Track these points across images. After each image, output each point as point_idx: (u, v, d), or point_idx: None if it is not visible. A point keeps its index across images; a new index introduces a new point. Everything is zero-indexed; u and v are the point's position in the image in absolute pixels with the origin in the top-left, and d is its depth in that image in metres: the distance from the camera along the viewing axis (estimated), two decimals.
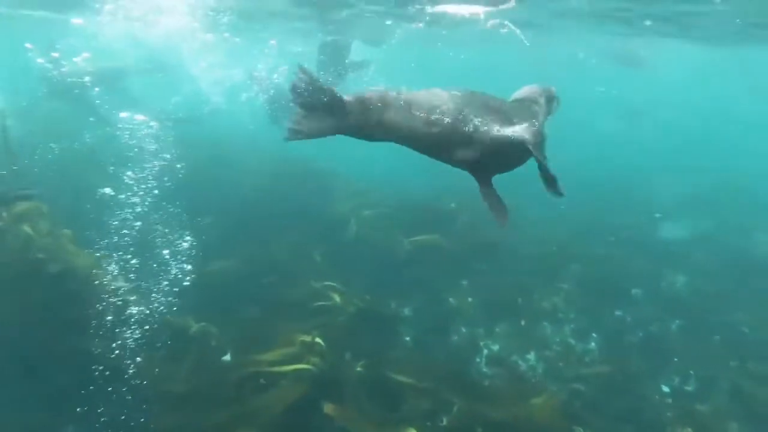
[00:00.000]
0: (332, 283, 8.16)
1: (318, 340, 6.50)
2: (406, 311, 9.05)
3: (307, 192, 11.86)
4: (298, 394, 5.74)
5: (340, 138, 3.56)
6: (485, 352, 8.31)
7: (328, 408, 5.65)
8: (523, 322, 8.92)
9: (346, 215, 10.92)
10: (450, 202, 11.81)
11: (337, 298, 7.93)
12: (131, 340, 5.99)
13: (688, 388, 7.40)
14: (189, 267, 7.00)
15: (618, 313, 9.16)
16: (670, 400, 7.19)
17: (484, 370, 7.94)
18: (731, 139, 26.41)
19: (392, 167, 16.85)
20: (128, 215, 7.16)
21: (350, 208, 11.20)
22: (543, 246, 11.23)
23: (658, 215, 13.07)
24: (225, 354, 6.40)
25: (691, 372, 7.61)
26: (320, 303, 7.81)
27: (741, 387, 7.17)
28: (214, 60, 14.37)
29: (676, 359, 7.88)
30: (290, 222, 10.39)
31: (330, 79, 11.14)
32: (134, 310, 6.18)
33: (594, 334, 8.70)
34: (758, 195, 14.02)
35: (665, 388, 7.41)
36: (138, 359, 5.81)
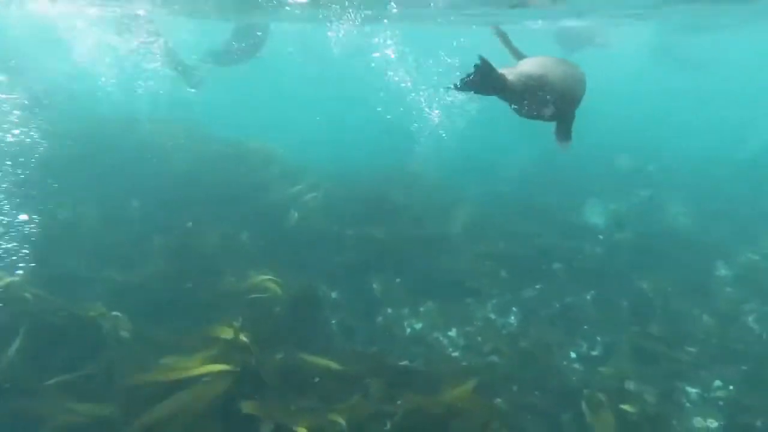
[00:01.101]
0: (265, 275, 8.10)
1: (243, 337, 6.41)
2: (335, 296, 9.27)
3: (241, 176, 11.80)
4: (211, 399, 5.62)
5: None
6: (408, 331, 8.60)
7: (248, 407, 5.58)
8: (446, 301, 9.28)
9: (283, 202, 11.01)
10: (394, 190, 12.03)
11: (269, 289, 7.97)
12: None
13: (594, 353, 7.88)
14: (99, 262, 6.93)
15: (538, 286, 9.61)
16: (576, 365, 7.65)
17: (406, 348, 8.22)
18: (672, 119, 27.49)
19: (334, 148, 16.99)
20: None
21: (288, 194, 11.27)
22: (476, 227, 11.65)
23: (590, 197, 13.69)
24: (136, 361, 6.16)
25: (598, 338, 8.11)
26: (252, 295, 7.82)
27: (641, 348, 7.69)
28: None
29: (586, 327, 8.36)
30: (221, 209, 10.36)
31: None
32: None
33: (514, 308, 9.11)
34: (679, 171, 14.79)
35: (573, 355, 7.87)
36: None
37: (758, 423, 6.38)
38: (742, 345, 7.61)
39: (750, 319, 8.29)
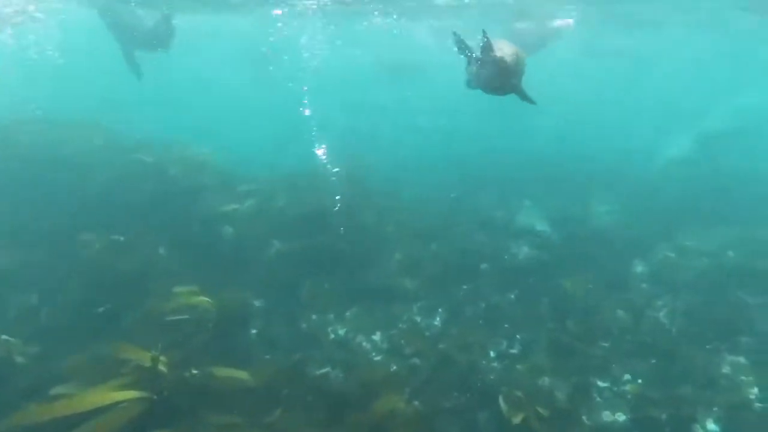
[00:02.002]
0: (190, 292, 7.72)
1: (157, 359, 6.06)
2: (261, 306, 9.03)
3: (169, 186, 11.30)
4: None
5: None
6: (332, 337, 8.46)
7: None
8: (374, 305, 9.19)
9: (213, 215, 10.53)
10: (329, 195, 11.78)
11: (193, 306, 7.60)
12: None
13: (513, 351, 7.95)
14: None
15: (465, 287, 9.67)
16: (495, 364, 7.70)
17: (330, 354, 8.07)
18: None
19: (269, 150, 16.62)
20: None
21: (220, 207, 10.66)
22: (409, 230, 11.62)
23: (524, 197, 13.94)
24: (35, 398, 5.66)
25: (518, 336, 8.20)
26: (175, 316, 7.45)
27: (558, 344, 7.81)
28: None
29: (507, 325, 8.45)
30: (147, 222, 9.86)
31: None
32: None
33: (440, 310, 9.12)
34: (603, 172, 15.27)
35: (493, 354, 7.92)
36: None
37: (663, 416, 6.57)
38: (652, 339, 7.85)
39: (661, 314, 8.57)
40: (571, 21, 16.66)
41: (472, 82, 6.37)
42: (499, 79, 5.75)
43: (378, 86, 27.03)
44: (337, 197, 11.30)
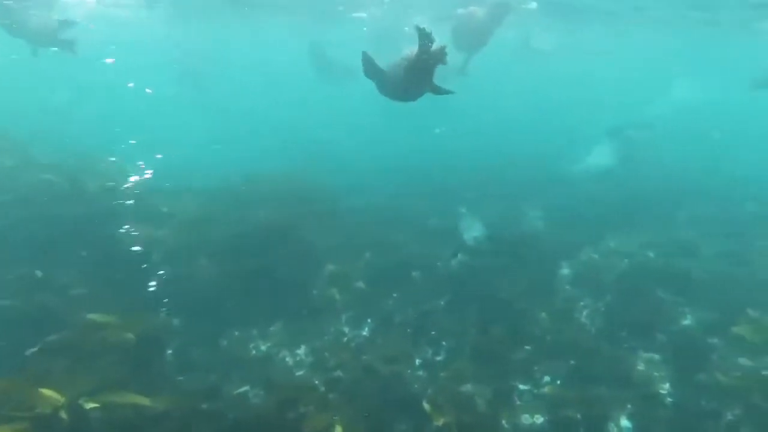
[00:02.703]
0: (106, 319, 7.26)
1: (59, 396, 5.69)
2: (180, 325, 8.63)
3: (88, 204, 10.61)
4: None
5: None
6: (253, 353, 8.17)
7: None
8: (302, 317, 8.96)
9: (136, 238, 9.86)
10: (262, 203, 11.40)
11: (107, 335, 7.15)
12: None
13: (438, 358, 7.90)
14: None
15: (395, 295, 9.58)
16: (420, 372, 7.61)
17: (250, 372, 7.78)
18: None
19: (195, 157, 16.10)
20: None
21: (144, 227, 9.80)
22: (344, 238, 11.46)
23: (460, 203, 14.05)
24: None
25: (444, 343, 8.16)
26: (89, 347, 6.94)
27: (482, 349, 7.81)
28: None
29: (434, 333, 8.40)
30: (64, 251, 9.16)
31: None
32: None
33: (369, 320, 8.99)
34: (537, 176, 15.64)
35: (418, 362, 7.83)
36: None
37: (578, 416, 6.63)
38: (572, 340, 7.96)
39: (583, 314, 8.75)
40: None
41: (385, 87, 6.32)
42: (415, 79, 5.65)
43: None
44: (270, 208, 11.04)
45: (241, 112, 26.24)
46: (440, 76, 5.80)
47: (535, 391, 7.16)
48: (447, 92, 5.98)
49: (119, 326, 7.20)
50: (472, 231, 12.13)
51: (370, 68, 5.98)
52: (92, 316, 7.32)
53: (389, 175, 16.48)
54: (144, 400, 6.19)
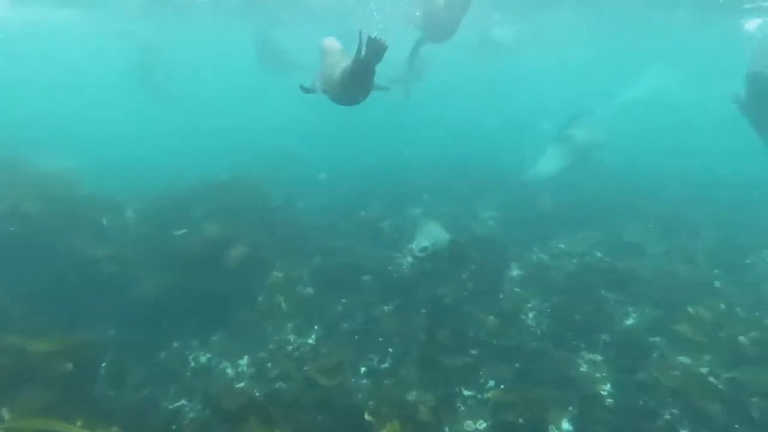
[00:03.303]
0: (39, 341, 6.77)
1: None
2: (116, 335, 8.24)
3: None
4: None
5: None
6: (193, 365, 7.86)
7: None
8: (245, 326, 8.69)
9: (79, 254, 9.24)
10: (213, 218, 10.90)
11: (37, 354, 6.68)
12: None
13: (384, 366, 7.76)
14: None
15: (344, 300, 9.40)
16: (364, 381, 7.46)
17: (187, 385, 7.48)
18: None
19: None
20: None
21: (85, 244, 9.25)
22: (292, 243, 11.22)
23: (414, 204, 13.97)
24: None
25: (390, 350, 8.03)
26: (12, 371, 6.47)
27: (428, 355, 7.70)
28: None
29: (380, 339, 8.26)
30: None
31: None
32: None
33: (316, 327, 8.78)
34: (491, 176, 15.73)
35: (363, 369, 7.68)
36: None
37: (520, 420, 6.60)
38: (518, 343, 7.95)
39: (530, 316, 8.77)
40: None
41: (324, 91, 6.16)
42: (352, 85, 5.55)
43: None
44: (214, 211, 10.65)
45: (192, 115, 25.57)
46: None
47: (479, 396, 7.10)
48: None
49: (49, 346, 6.80)
50: (425, 233, 12.07)
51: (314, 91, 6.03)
52: (17, 338, 6.89)
53: (343, 176, 16.29)
54: (72, 429, 5.82)
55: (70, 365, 6.70)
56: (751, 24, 17.72)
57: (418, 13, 10.82)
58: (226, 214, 10.65)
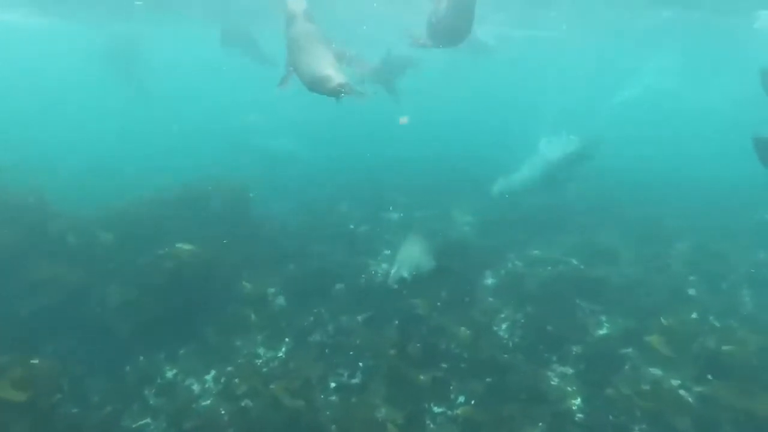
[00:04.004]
0: None
1: None
2: (78, 351, 8.00)
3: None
4: None
5: None
6: (158, 381, 7.65)
7: None
8: (214, 338, 8.49)
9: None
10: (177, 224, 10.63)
11: None
12: None
13: (354, 381, 7.62)
14: None
15: (316, 311, 9.23)
16: (333, 398, 7.32)
17: (151, 402, 7.28)
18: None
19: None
20: None
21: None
22: (266, 249, 11.03)
23: (392, 208, 13.81)
24: None
25: (360, 364, 7.89)
26: None
27: (398, 371, 7.58)
28: None
29: (351, 353, 8.11)
30: None
31: None
32: None
33: (286, 339, 8.61)
34: (470, 180, 15.56)
35: (333, 385, 7.53)
36: None
37: None
38: (490, 356, 7.85)
39: (503, 327, 8.69)
40: None
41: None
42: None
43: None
44: (192, 226, 10.36)
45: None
46: None
47: (449, 413, 6.99)
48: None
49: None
50: (404, 261, 11.91)
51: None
52: None
53: (321, 178, 16.09)
54: None
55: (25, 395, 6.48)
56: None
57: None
58: (197, 226, 10.42)
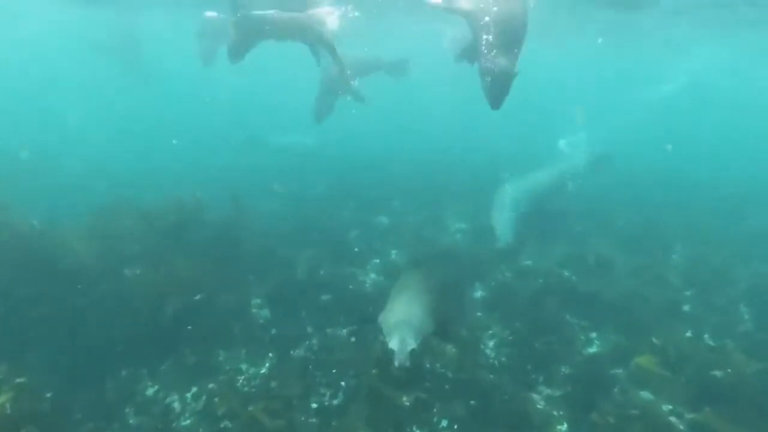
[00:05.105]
0: None
1: None
2: (60, 363, 7.88)
3: None
4: None
5: None
6: (138, 399, 7.55)
7: None
8: (196, 353, 8.36)
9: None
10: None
11: None
12: None
13: (335, 402, 7.49)
14: None
15: (300, 324, 9.08)
16: (313, 420, 7.19)
17: (131, 421, 7.18)
18: None
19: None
20: None
21: None
22: (249, 258, 10.84)
23: (381, 218, 13.59)
24: None
25: (342, 383, 7.75)
26: None
27: (379, 392, 7.43)
28: None
29: (334, 371, 7.97)
30: None
31: None
32: None
33: (270, 354, 8.49)
34: (461, 185, 15.31)
35: (314, 406, 7.41)
36: None
37: None
38: (474, 376, 7.69)
39: (490, 345, 8.53)
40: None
41: None
42: None
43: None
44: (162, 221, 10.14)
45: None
46: None
47: None
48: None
49: None
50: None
51: None
52: None
53: (313, 180, 15.89)
54: None
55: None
56: None
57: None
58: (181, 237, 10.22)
